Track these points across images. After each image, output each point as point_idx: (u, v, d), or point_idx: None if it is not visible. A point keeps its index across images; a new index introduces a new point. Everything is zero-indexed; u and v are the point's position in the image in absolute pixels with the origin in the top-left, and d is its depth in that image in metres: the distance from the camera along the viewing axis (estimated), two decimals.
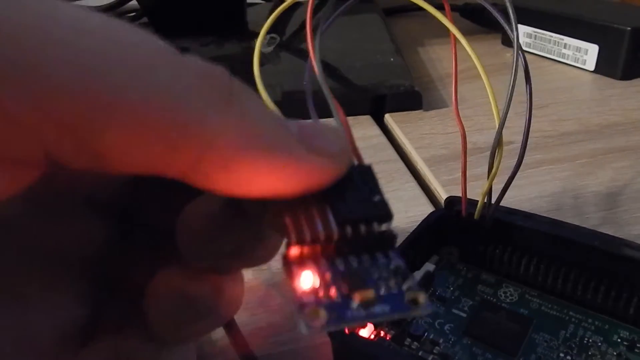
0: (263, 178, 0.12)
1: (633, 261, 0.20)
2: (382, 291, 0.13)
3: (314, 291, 0.13)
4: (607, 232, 0.21)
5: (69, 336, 0.15)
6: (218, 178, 0.12)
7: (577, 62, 0.46)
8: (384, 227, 0.14)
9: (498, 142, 0.20)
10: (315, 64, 0.16)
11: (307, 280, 0.13)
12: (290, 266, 0.13)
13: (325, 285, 0.13)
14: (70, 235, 0.16)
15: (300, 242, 0.13)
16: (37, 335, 0.14)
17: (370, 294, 0.13)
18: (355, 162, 0.15)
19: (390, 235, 0.14)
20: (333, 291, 0.13)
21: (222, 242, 0.15)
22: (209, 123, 0.11)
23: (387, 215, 0.14)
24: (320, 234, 0.13)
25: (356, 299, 0.12)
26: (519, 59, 0.19)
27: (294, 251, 0.13)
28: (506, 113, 0.20)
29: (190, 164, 0.11)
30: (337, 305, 0.12)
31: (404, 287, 0.13)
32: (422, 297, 0.13)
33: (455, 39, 0.21)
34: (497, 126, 0.20)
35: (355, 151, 0.15)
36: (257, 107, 0.12)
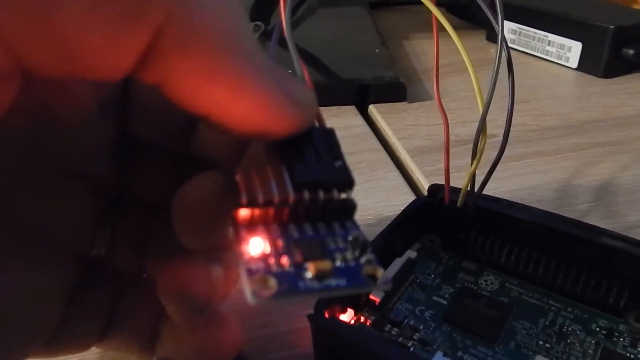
0: (220, 88, 0.11)
1: (613, 251, 0.20)
2: (339, 263, 0.12)
3: (264, 258, 0.11)
4: None
5: (47, 311, 0.15)
6: (175, 64, 0.11)
7: (561, 59, 0.46)
8: (343, 195, 0.13)
9: (482, 129, 0.20)
10: (285, 23, 0.16)
11: (257, 246, 0.12)
12: (239, 229, 0.12)
13: (276, 252, 0.12)
14: (54, 209, 0.15)
15: (252, 203, 0.12)
16: (12, 303, 0.14)
17: (326, 264, 0.12)
18: (317, 124, 0.14)
19: (350, 205, 0.13)
20: (285, 259, 0.11)
21: (221, 222, 0.14)
22: None
23: (348, 183, 0.13)
24: (275, 197, 0.12)
25: (311, 270, 0.11)
26: (503, 46, 0.19)
27: (244, 213, 0.12)
28: (490, 99, 0.20)
29: (150, 39, 0.10)
30: (289, 275, 0.11)
31: (362, 260, 0.12)
32: (380, 272, 0.12)
33: (438, 26, 0.21)
34: (480, 117, 0.20)
35: (318, 113, 0.14)
36: (236, 4, 0.12)
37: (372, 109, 0.40)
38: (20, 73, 0.11)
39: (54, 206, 0.15)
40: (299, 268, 0.11)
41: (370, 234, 0.25)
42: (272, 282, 0.11)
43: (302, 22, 0.49)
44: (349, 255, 0.12)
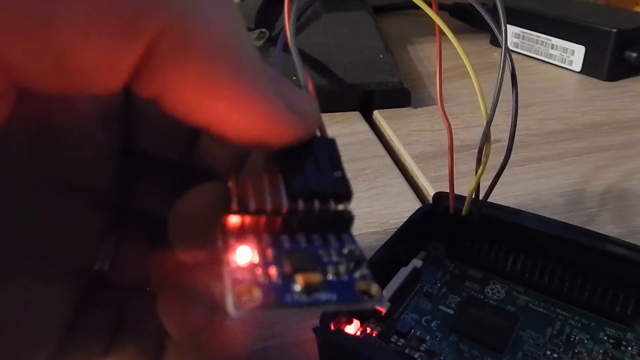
0: (220, 101, 0.11)
1: (619, 258, 0.20)
2: (331, 276, 0.11)
3: (251, 268, 0.11)
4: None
5: (50, 326, 0.15)
6: (172, 77, 0.11)
7: (564, 63, 0.46)
8: (341, 206, 0.12)
9: (486, 139, 0.20)
10: (289, 31, 0.15)
11: (245, 255, 0.11)
12: (228, 237, 0.11)
13: (265, 263, 0.11)
14: (56, 223, 0.15)
15: (243, 210, 0.11)
16: (15, 317, 0.14)
17: (316, 277, 0.11)
18: (319, 134, 0.13)
19: (347, 217, 0.12)
20: (273, 270, 0.11)
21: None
22: (171, 4, 0.10)
23: (346, 194, 0.12)
24: (267, 204, 0.12)
25: (299, 282, 0.11)
26: (507, 61, 0.19)
27: (234, 220, 0.11)
28: (493, 112, 0.20)
29: (144, 52, 0.10)
30: (276, 287, 0.11)
31: (356, 275, 0.11)
32: (375, 289, 0.11)
33: (441, 34, 0.21)
34: (484, 124, 0.20)
35: (320, 123, 0.13)
36: (235, 15, 0.12)
37: (377, 114, 0.40)
38: (14, 90, 0.11)
39: (56, 220, 0.15)
40: (287, 280, 0.11)
41: (376, 241, 0.25)
42: (257, 294, 0.10)
43: (306, 27, 0.49)
44: (342, 269, 0.11)
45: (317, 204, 0.12)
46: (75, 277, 0.16)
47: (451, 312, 0.21)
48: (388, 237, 0.22)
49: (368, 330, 0.19)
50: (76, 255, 0.16)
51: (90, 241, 0.16)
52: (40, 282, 0.15)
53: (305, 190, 0.12)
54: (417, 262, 0.22)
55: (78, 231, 0.16)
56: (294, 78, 0.16)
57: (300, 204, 0.12)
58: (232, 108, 0.11)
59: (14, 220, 0.14)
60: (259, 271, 0.11)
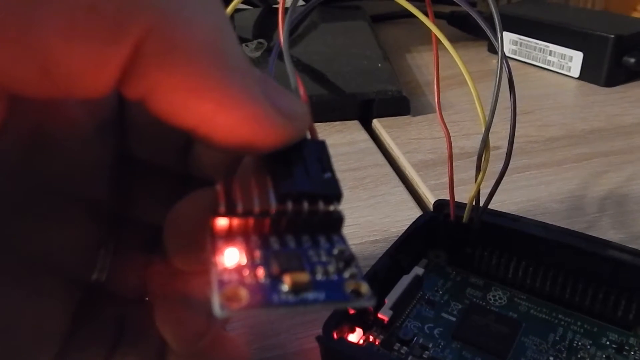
0: (206, 103, 0.11)
1: (620, 263, 0.20)
2: (319, 276, 0.11)
3: (238, 269, 0.11)
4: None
5: (48, 338, 0.15)
6: (157, 79, 0.10)
7: (562, 69, 0.47)
8: (331, 207, 0.12)
9: (485, 146, 0.20)
10: (282, 35, 0.16)
11: (232, 257, 0.11)
12: (215, 239, 0.12)
13: (252, 264, 0.11)
14: (52, 234, 0.15)
15: (231, 213, 0.12)
16: (12, 330, 0.14)
17: (304, 277, 0.11)
18: (309, 136, 0.13)
19: (337, 218, 0.12)
20: (260, 271, 0.11)
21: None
22: (155, 4, 0.10)
23: (336, 195, 0.12)
24: (255, 206, 0.12)
25: (287, 282, 0.11)
26: (504, 68, 0.19)
27: (222, 222, 0.12)
28: (491, 119, 0.20)
29: (130, 54, 0.10)
30: (263, 287, 0.11)
31: (346, 274, 0.11)
32: (364, 288, 0.11)
33: (437, 43, 0.21)
34: (482, 135, 0.20)
35: (310, 125, 0.13)
36: (222, 16, 0.12)
37: (376, 123, 0.40)
38: (3, 97, 0.11)
39: (52, 231, 0.15)
40: (274, 280, 0.11)
41: (377, 250, 0.25)
42: (244, 294, 0.10)
43: (305, 37, 0.49)
44: (331, 269, 0.11)
45: (305, 205, 0.12)
46: (72, 288, 0.16)
47: (453, 319, 0.21)
48: (389, 246, 0.22)
49: (371, 338, 0.19)
50: (73, 265, 0.16)
51: (87, 251, 0.16)
52: (37, 292, 0.14)
53: (294, 191, 0.12)
54: (418, 270, 0.22)
55: (74, 241, 0.16)
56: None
57: (289, 205, 0.12)
58: (218, 109, 0.11)
59: (9, 231, 0.14)
60: (247, 272, 0.11)
